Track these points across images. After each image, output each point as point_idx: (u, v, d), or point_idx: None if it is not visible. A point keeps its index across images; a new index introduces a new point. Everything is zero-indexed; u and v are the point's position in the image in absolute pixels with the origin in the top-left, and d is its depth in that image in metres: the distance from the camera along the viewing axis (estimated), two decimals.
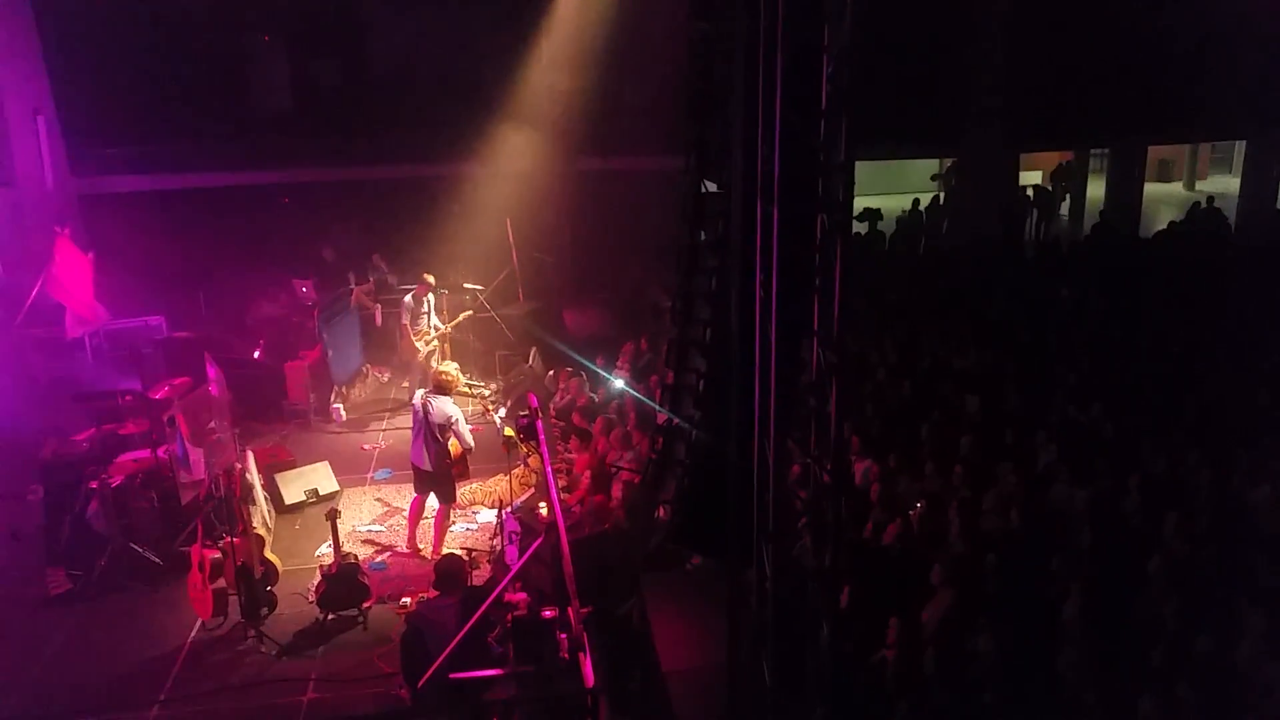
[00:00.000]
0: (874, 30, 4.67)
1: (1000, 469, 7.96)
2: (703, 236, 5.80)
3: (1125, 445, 8.34)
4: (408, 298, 11.64)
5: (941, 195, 20.76)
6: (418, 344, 11.54)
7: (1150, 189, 21.06)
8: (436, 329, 11.65)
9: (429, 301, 11.67)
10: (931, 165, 22.76)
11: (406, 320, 11.60)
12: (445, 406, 8.39)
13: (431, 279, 11.72)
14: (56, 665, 7.32)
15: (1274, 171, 20.16)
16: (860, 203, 17.81)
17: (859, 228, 17.45)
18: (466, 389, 11.38)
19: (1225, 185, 22.78)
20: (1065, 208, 21.57)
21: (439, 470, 8.45)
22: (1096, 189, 21.09)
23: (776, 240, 4.59)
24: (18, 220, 14.24)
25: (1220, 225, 18.13)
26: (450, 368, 8.75)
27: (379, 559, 8.60)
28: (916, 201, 18.86)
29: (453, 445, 8.42)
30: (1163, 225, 18.16)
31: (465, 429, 8.45)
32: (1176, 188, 24.83)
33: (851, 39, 4.22)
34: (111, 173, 15.35)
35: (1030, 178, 20.92)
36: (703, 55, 5.32)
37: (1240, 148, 22.23)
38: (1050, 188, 20.97)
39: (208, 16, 15.62)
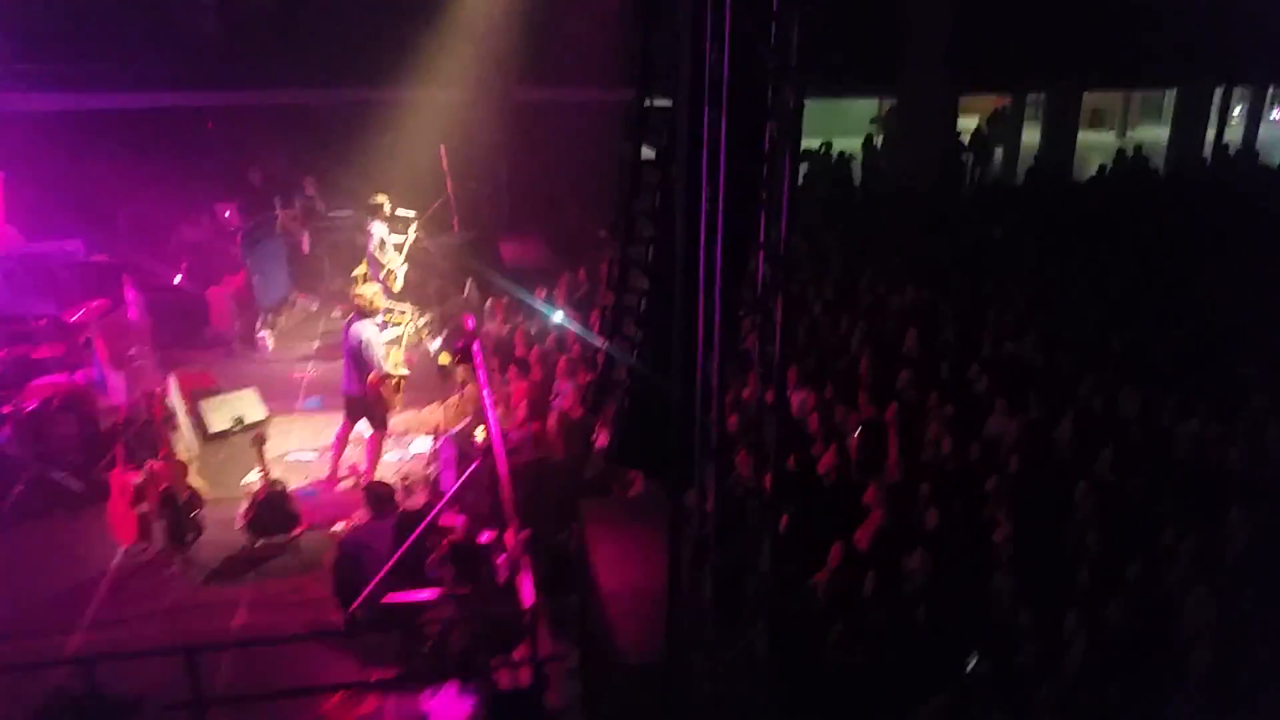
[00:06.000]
0: None
1: (934, 400, 8.07)
2: (647, 153, 5.67)
3: (1057, 378, 8.50)
4: (377, 225, 11.22)
5: (880, 138, 20.81)
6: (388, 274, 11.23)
7: (1084, 137, 21.38)
8: (385, 259, 11.29)
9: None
10: (871, 108, 22.78)
11: (374, 250, 11.24)
12: (360, 330, 8.17)
13: (381, 202, 11.32)
14: None
15: (1201, 121, 20.64)
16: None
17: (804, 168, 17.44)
18: (395, 313, 11.17)
19: (1155, 135, 23.25)
20: (1001, 153, 21.81)
21: (364, 395, 8.26)
22: (1032, 136, 21.35)
23: (724, 150, 4.47)
24: None
25: (1147, 172, 18.56)
26: (368, 290, 8.43)
27: (309, 486, 8.42)
28: (840, 155, 18.85)
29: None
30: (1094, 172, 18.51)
31: (377, 353, 8.18)
32: (1109, 136, 25.26)
33: None
34: (25, 90, 14.48)
35: (967, 123, 21.07)
36: None
37: (1171, 97, 22.65)
38: (986, 133, 21.16)
39: None
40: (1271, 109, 23.98)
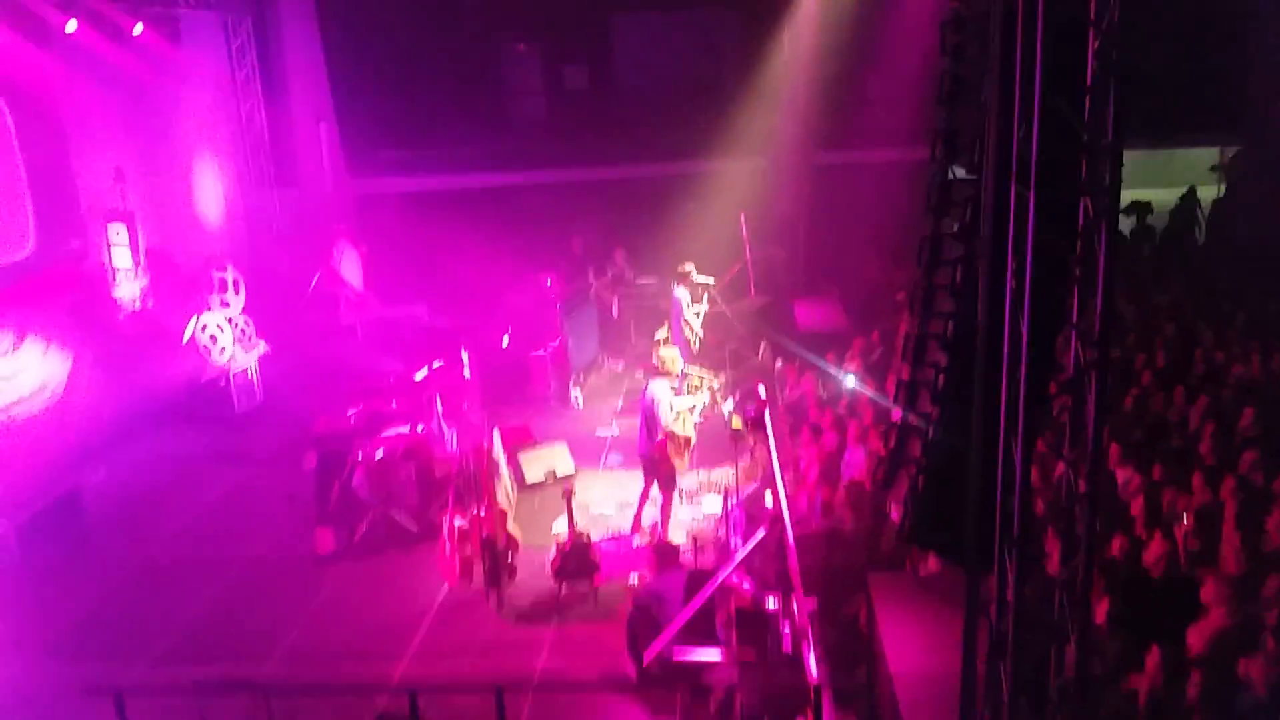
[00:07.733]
0: (1146, 2, 4.31)
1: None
2: (948, 226, 5.56)
3: None
4: (681, 291, 11.83)
5: (1222, 187, 18.77)
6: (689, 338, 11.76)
7: None
8: (688, 324, 11.82)
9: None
10: (1208, 155, 20.60)
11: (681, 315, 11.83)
12: (655, 389, 8.54)
13: (688, 269, 11.88)
14: (322, 615, 8.08)
15: None
16: (1126, 195, 16.43)
17: (1126, 223, 16.14)
18: (693, 376, 11.53)
19: None
20: None
21: (653, 455, 8.61)
22: None
23: (1032, 227, 4.31)
24: (301, 218, 15.83)
25: None
26: (669, 353, 8.84)
27: (608, 539, 8.86)
28: (1192, 191, 17.20)
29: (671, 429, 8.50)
30: None
31: (664, 412, 8.47)
32: None
33: (1121, 11, 3.94)
34: (384, 174, 16.76)
35: None
36: (955, 37, 5.09)
37: None
38: None
39: (470, 29, 16.77)
40: None
